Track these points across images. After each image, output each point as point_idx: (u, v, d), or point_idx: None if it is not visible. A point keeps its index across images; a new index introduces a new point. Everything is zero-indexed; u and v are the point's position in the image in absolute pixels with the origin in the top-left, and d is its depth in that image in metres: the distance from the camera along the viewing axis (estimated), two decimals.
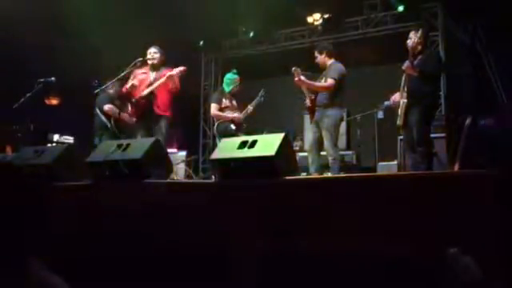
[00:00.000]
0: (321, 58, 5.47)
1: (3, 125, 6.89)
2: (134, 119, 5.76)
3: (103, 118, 6.07)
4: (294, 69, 5.28)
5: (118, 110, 6.01)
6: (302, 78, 5.26)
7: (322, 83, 5.34)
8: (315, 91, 5.38)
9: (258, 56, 9.11)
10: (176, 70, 5.42)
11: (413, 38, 4.76)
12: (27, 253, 1.21)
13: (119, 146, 3.51)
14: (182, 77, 5.53)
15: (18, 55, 7.27)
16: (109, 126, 6.02)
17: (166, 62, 5.67)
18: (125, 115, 5.99)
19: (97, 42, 7.24)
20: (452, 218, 2.20)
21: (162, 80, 5.38)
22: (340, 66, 5.35)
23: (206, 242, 2.85)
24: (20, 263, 1.18)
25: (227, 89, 6.07)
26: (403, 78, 4.80)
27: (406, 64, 4.67)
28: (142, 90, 5.44)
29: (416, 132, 4.60)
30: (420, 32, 4.74)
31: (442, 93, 7.18)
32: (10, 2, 7.00)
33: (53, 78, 5.60)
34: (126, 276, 2.98)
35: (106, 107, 6.01)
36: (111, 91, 6.10)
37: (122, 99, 6.01)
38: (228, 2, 8.04)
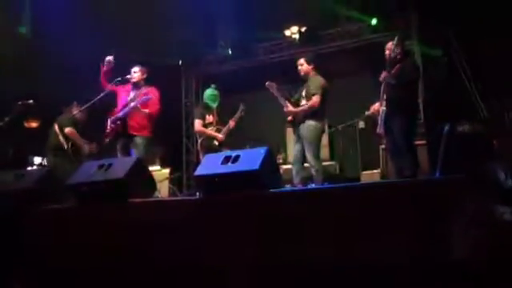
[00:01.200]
0: (307, 67, 5.45)
1: None
2: (89, 150, 6.01)
3: (61, 138, 6.07)
4: (267, 83, 5.30)
5: (78, 136, 6.10)
6: (290, 107, 5.29)
7: (308, 104, 5.25)
8: (297, 104, 5.40)
9: (237, 71, 9.13)
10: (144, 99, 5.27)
11: (390, 48, 4.88)
12: (10, 276, 1.19)
13: (101, 166, 3.47)
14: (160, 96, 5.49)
15: None
16: (65, 147, 6.01)
17: (147, 80, 5.62)
18: (83, 145, 6.08)
19: (75, 64, 7.18)
20: (434, 223, 2.23)
21: (134, 105, 5.26)
22: (321, 80, 5.37)
23: (196, 256, 2.83)
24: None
25: (213, 105, 6.02)
26: (382, 87, 4.88)
27: (384, 74, 4.76)
28: (120, 110, 5.36)
29: (401, 141, 4.67)
30: (396, 41, 4.85)
31: (420, 100, 7.29)
32: None
33: (31, 101, 5.54)
34: None
35: (68, 130, 6.00)
36: (78, 115, 6.09)
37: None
38: (206, 18, 8.08)
